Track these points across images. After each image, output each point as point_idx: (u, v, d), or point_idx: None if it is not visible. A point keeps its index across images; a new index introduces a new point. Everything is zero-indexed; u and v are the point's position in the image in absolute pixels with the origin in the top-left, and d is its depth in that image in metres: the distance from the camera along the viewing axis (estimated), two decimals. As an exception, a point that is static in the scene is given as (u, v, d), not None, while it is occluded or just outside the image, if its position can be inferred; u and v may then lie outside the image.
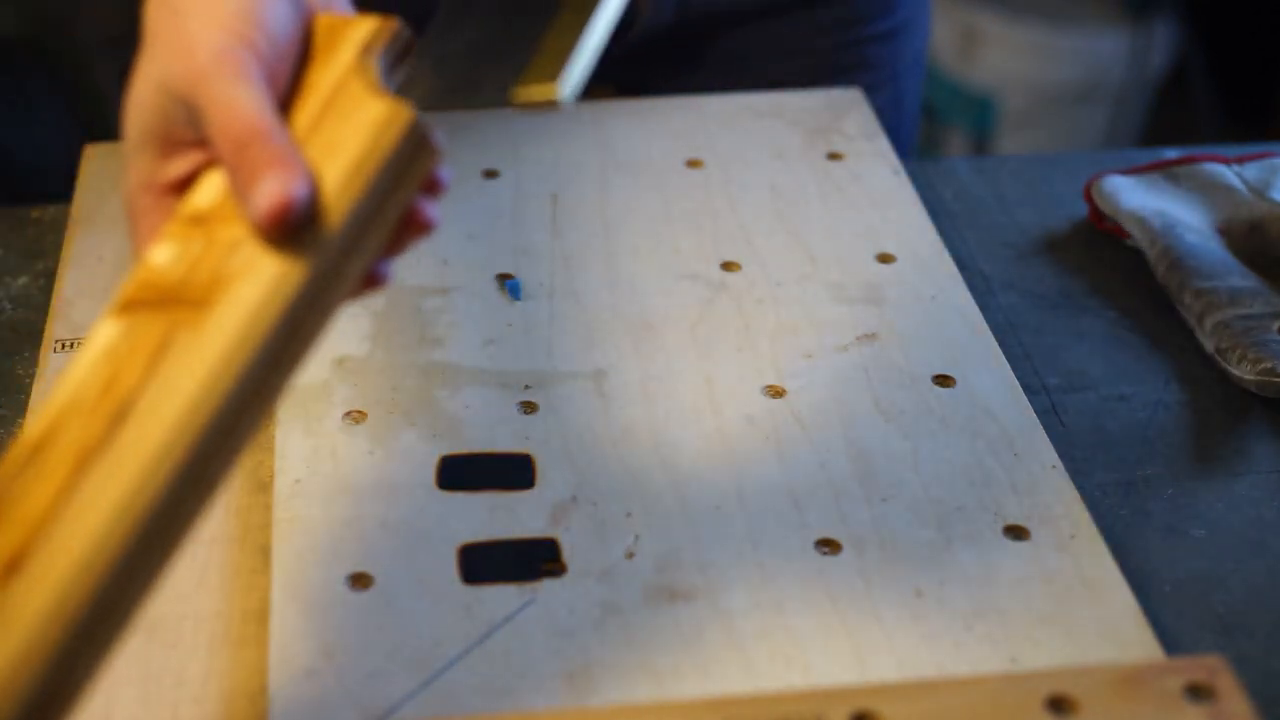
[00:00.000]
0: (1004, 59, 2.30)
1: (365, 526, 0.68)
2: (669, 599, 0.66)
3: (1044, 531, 0.69)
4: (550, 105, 0.50)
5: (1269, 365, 0.79)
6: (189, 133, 0.55)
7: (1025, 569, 0.67)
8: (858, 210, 0.90)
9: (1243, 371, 0.80)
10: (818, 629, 0.64)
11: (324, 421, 0.74)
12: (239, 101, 0.52)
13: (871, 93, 1.03)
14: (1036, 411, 0.76)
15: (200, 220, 0.52)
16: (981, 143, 2.36)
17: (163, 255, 0.52)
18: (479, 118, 0.98)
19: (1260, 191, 0.91)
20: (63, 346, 0.80)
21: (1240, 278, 0.84)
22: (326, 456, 0.72)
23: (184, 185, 0.56)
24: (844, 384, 0.78)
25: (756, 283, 0.84)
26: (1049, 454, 0.73)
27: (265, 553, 0.68)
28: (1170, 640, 0.66)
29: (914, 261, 0.86)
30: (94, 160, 0.95)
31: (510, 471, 0.72)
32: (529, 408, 0.75)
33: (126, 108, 0.57)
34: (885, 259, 0.86)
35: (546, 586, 0.66)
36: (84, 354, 0.50)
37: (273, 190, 0.50)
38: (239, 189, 0.52)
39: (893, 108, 1.06)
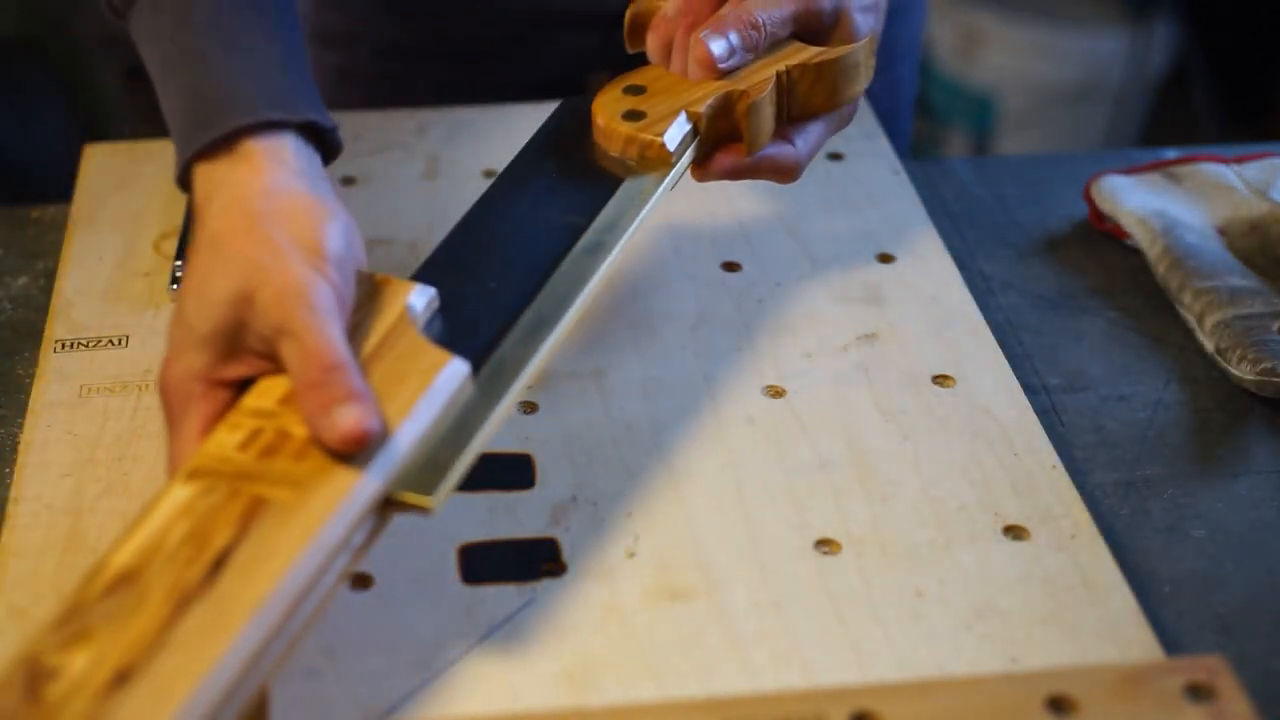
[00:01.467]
0: (1004, 59, 2.30)
1: (365, 526, 0.68)
2: (669, 599, 0.66)
3: (1044, 531, 0.69)
4: (424, 512, 0.58)
5: (1269, 365, 0.79)
6: (257, 345, 0.62)
7: (1025, 569, 0.67)
8: (858, 210, 0.90)
9: (1243, 371, 0.80)
10: (818, 629, 0.64)
11: (324, 421, 0.74)
12: (324, 335, 0.61)
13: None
14: (1036, 411, 0.76)
15: (265, 415, 0.61)
16: (981, 143, 2.36)
17: (232, 439, 0.60)
18: (479, 117, 0.98)
19: (1260, 191, 0.91)
20: (63, 346, 0.80)
21: (1240, 278, 0.84)
22: (326, 456, 0.72)
23: (234, 385, 0.63)
24: (844, 384, 0.78)
25: (756, 283, 0.84)
26: (1049, 454, 0.73)
27: (265, 553, 0.68)
28: (1170, 640, 0.66)
29: (914, 261, 0.86)
30: (94, 160, 0.95)
31: (510, 471, 0.72)
32: (529, 408, 0.75)
33: (192, 305, 0.63)
34: (885, 259, 0.86)
35: (546, 586, 0.66)
36: (159, 505, 0.58)
37: (351, 420, 0.59)
38: (315, 408, 0.59)
39: (888, 94, 1.06)
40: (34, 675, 0.52)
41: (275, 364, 0.63)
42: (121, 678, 0.52)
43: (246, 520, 0.57)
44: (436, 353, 0.63)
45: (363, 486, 0.58)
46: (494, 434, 0.62)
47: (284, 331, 0.61)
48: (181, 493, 0.58)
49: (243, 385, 0.63)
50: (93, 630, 0.53)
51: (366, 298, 0.65)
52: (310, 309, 0.61)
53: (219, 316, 0.62)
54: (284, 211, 0.64)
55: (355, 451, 0.59)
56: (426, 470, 0.59)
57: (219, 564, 0.56)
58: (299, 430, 0.60)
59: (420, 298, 0.65)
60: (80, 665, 0.52)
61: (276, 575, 0.55)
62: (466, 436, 0.60)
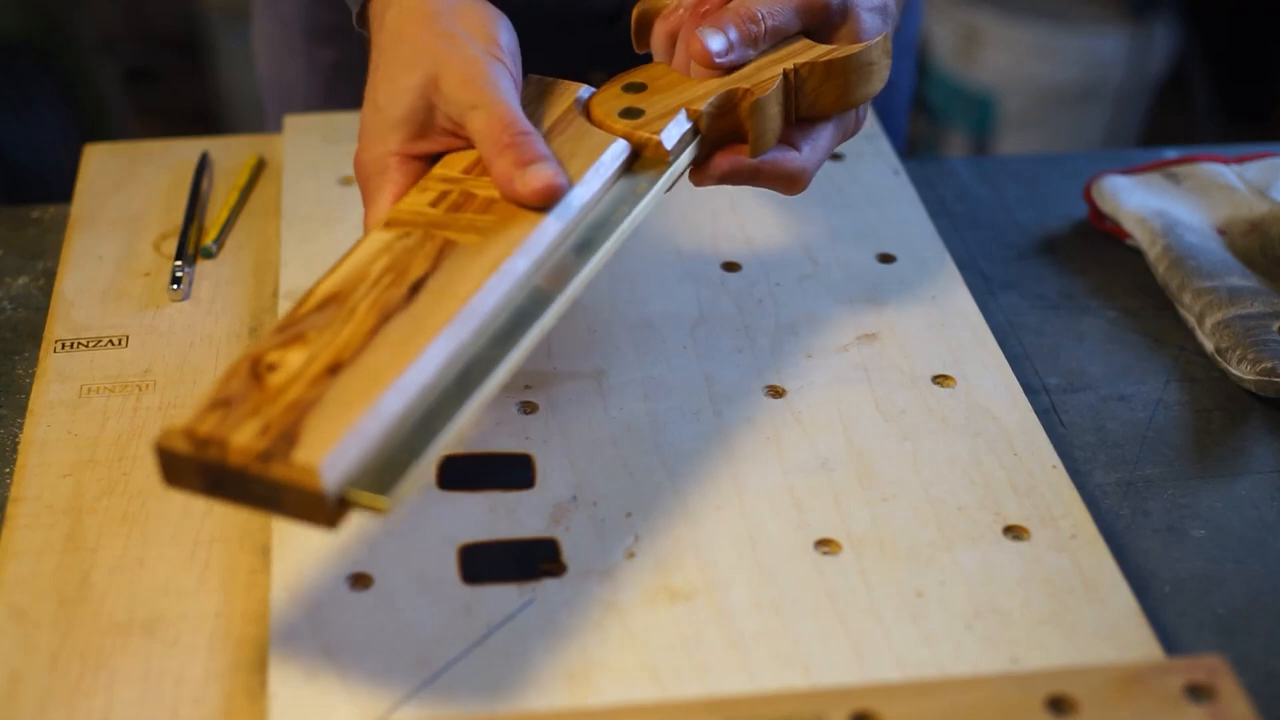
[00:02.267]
0: (1004, 59, 2.30)
1: (365, 526, 0.68)
2: (669, 599, 0.66)
3: (1044, 531, 0.69)
4: (379, 512, 0.58)
5: (1269, 365, 0.79)
6: (445, 124, 0.71)
7: (1025, 569, 0.67)
8: (858, 210, 0.90)
9: (1243, 371, 0.80)
10: (818, 629, 0.64)
11: (324, 421, 0.74)
12: (511, 106, 0.70)
13: None
14: (1036, 411, 0.76)
15: (452, 181, 0.70)
16: (981, 143, 2.36)
17: (423, 199, 0.69)
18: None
19: (1260, 191, 0.91)
20: (63, 346, 0.80)
21: (1240, 278, 0.84)
22: (326, 456, 0.72)
23: (423, 159, 0.72)
24: (844, 384, 0.78)
25: (756, 283, 0.84)
26: (1049, 454, 0.73)
27: (265, 553, 0.68)
28: (1170, 640, 0.66)
29: (914, 261, 0.86)
30: (94, 160, 0.95)
31: (510, 471, 0.72)
32: (529, 408, 0.75)
33: (383, 93, 0.72)
34: (885, 259, 0.86)
35: (546, 586, 0.66)
36: (361, 246, 0.66)
37: (545, 176, 0.67)
38: (508, 167, 0.68)
39: (883, 93, 1.06)
40: (257, 367, 0.60)
41: (461, 141, 0.71)
42: (333, 369, 0.60)
43: (439, 257, 0.65)
44: (603, 134, 0.71)
45: (544, 228, 0.67)
46: (456, 438, 0.62)
47: (473, 106, 0.69)
48: (380, 237, 0.67)
49: (430, 162, 0.72)
50: (306, 335, 0.62)
51: (536, 95, 0.74)
52: (495, 86, 0.70)
53: (409, 100, 0.71)
54: (458, 10, 0.72)
55: (546, 204, 0.67)
56: (385, 470, 0.58)
57: (416, 288, 0.64)
58: (483, 192, 0.68)
59: (586, 93, 0.74)
60: (297, 360, 0.60)
61: (467, 296, 0.63)
62: (428, 438, 0.60)
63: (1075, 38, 2.27)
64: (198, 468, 0.58)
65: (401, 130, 0.71)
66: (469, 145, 0.71)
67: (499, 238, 0.66)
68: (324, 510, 0.57)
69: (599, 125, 0.73)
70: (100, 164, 0.95)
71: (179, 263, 0.85)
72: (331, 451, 0.56)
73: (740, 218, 0.89)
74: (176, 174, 0.93)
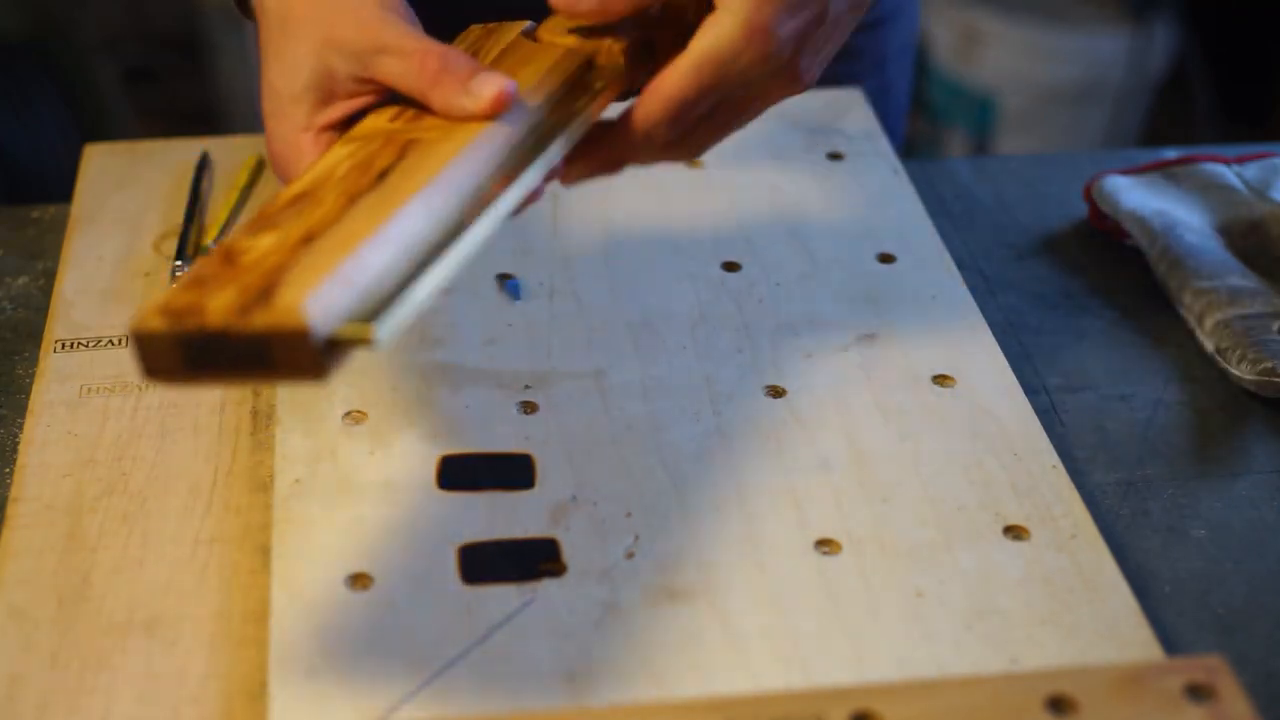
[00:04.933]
0: (1004, 59, 2.30)
1: (365, 526, 0.68)
2: (669, 599, 0.66)
3: (1044, 531, 0.69)
4: (366, 344, 0.55)
5: (1269, 365, 0.79)
6: (350, 84, 0.68)
7: (1025, 569, 0.67)
8: (858, 210, 0.90)
9: (1243, 371, 0.80)
10: (818, 629, 0.64)
11: (324, 421, 0.74)
12: (423, 39, 0.66)
13: (859, 80, 1.03)
14: (1036, 411, 0.76)
15: (382, 133, 0.66)
16: (981, 143, 2.36)
17: (348, 148, 0.66)
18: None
19: (1260, 191, 0.91)
20: (63, 346, 0.80)
21: (1240, 278, 0.84)
22: (326, 456, 0.72)
23: (335, 129, 0.68)
24: (844, 384, 0.78)
25: (756, 283, 0.84)
26: (1049, 454, 0.73)
27: (265, 553, 0.68)
28: (1170, 640, 0.66)
29: (914, 261, 0.86)
30: (94, 160, 0.95)
31: (510, 471, 0.72)
32: (529, 408, 0.75)
33: (275, 73, 0.68)
34: (885, 259, 0.86)
35: (546, 586, 0.66)
36: (324, 158, 0.65)
37: (493, 85, 0.65)
38: (449, 94, 0.65)
39: (880, 96, 1.06)
40: (229, 254, 0.58)
41: (372, 97, 0.68)
42: (306, 239, 0.58)
43: (404, 150, 0.64)
44: (553, 47, 0.70)
45: (506, 121, 0.65)
46: (447, 279, 0.60)
47: (378, 51, 0.66)
48: (339, 149, 0.66)
49: (344, 130, 0.68)
50: (278, 222, 0.60)
51: (481, 38, 0.72)
52: (394, 25, 0.67)
53: (307, 70, 0.68)
54: None
55: (501, 112, 0.65)
56: (371, 309, 0.56)
57: (383, 174, 0.63)
58: (424, 135, 0.65)
59: (532, 26, 0.72)
60: (269, 240, 0.59)
61: (441, 164, 0.62)
62: (416, 277, 0.58)
63: (1075, 38, 2.27)
64: (176, 343, 0.55)
65: (304, 102, 0.68)
66: (383, 97, 0.68)
67: (462, 129, 0.65)
68: (311, 355, 0.54)
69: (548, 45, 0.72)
70: (100, 164, 0.95)
71: (179, 263, 0.85)
72: (314, 291, 0.55)
73: (740, 218, 0.89)
74: (176, 174, 0.93)
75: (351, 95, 0.68)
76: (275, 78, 0.69)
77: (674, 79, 0.66)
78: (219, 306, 0.55)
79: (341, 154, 0.65)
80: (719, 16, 0.66)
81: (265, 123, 0.70)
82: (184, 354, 0.55)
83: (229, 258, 0.58)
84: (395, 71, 0.66)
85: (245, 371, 0.56)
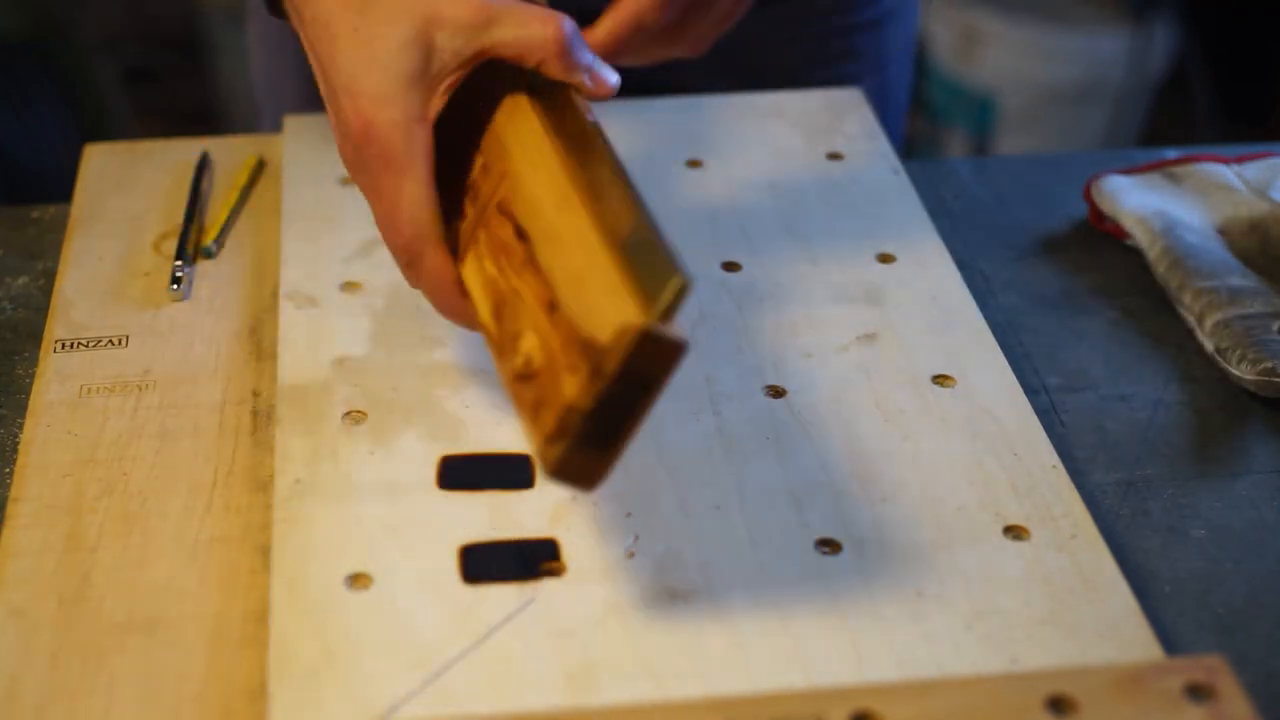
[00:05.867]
0: (1004, 59, 2.30)
1: (365, 526, 0.68)
2: (669, 599, 0.66)
3: (1044, 531, 0.69)
4: (685, 290, 0.58)
5: (1269, 365, 0.79)
6: (448, 63, 0.67)
7: (1025, 569, 0.67)
8: (858, 210, 0.90)
9: (1243, 371, 0.80)
10: (818, 629, 0.64)
11: (324, 421, 0.74)
12: (530, 5, 0.68)
13: (859, 80, 1.03)
14: (1036, 411, 0.76)
15: (463, 233, 0.71)
16: (981, 143, 2.36)
17: (470, 268, 0.70)
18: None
19: (1260, 191, 0.91)
20: (63, 346, 0.80)
21: (1240, 278, 0.84)
22: (326, 456, 0.72)
23: (430, 123, 0.68)
24: (844, 384, 0.78)
25: (756, 283, 0.84)
26: (1049, 454, 0.73)
27: (265, 553, 0.68)
28: (1170, 640, 0.66)
29: (914, 261, 0.86)
30: (94, 160, 0.95)
31: (510, 471, 0.72)
32: (529, 408, 0.75)
33: (361, 59, 0.66)
34: (885, 259, 0.86)
35: (546, 586, 0.66)
36: (469, 280, 0.69)
37: (612, 77, 0.70)
38: (568, 69, 0.68)
39: (879, 96, 1.06)
40: (521, 377, 0.63)
41: (462, 73, 0.67)
42: (552, 308, 0.63)
43: (505, 208, 0.68)
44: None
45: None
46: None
47: (493, 22, 0.67)
48: (467, 270, 0.70)
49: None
50: (517, 332, 0.65)
51: None
52: (514, 8, 0.67)
53: (412, 53, 0.66)
54: None
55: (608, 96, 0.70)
56: (651, 277, 0.59)
57: (521, 235, 0.66)
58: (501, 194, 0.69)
59: None
60: (532, 341, 0.64)
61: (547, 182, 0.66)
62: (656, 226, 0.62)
63: (1075, 38, 2.27)
64: (579, 447, 0.59)
65: (419, 89, 0.67)
66: (465, 80, 0.68)
67: (522, 160, 0.68)
68: (666, 342, 0.58)
69: None
70: (100, 164, 0.95)
71: (179, 263, 0.85)
72: (613, 303, 0.59)
73: (740, 218, 0.89)
74: (176, 174, 0.93)
75: (448, 75, 0.67)
76: (362, 64, 0.66)
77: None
78: (576, 392, 0.59)
79: (471, 268, 0.69)
80: None
81: (359, 110, 0.67)
82: (591, 451, 0.60)
83: (526, 379, 0.63)
84: (511, 38, 0.67)
85: (635, 408, 0.59)
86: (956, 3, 2.31)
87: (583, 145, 0.67)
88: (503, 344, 0.66)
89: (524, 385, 0.63)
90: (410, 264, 0.69)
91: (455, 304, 0.70)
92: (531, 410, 0.62)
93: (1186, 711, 0.59)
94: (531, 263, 0.64)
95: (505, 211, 0.67)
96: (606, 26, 0.74)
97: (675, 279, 0.58)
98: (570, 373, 0.60)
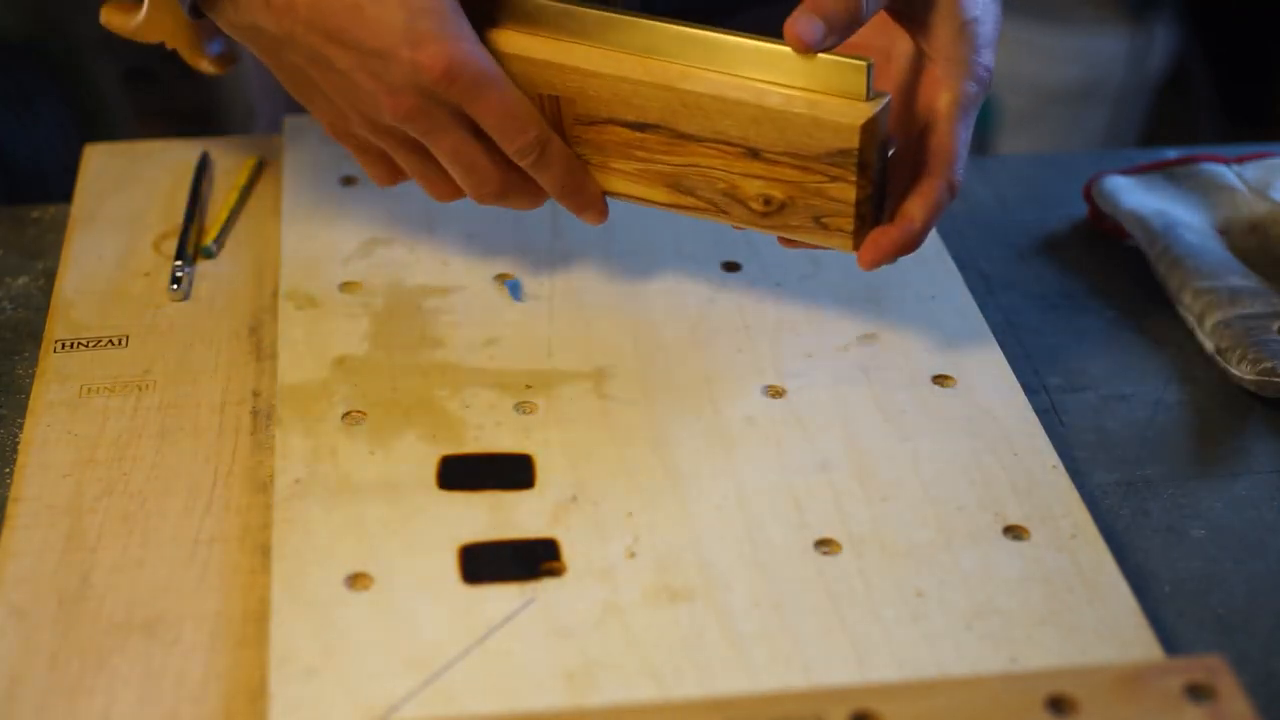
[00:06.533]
0: (1004, 59, 2.29)
1: (365, 526, 0.68)
2: (669, 599, 0.66)
3: (1044, 531, 0.69)
4: (873, 68, 0.69)
5: (1269, 365, 0.79)
6: None
7: (1025, 569, 0.67)
8: (858, 210, 0.90)
9: (1243, 371, 0.80)
10: (818, 629, 0.64)
11: (324, 421, 0.74)
12: None
13: None
14: (1036, 411, 0.76)
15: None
16: (981, 143, 2.36)
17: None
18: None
19: (1260, 191, 0.91)
20: (63, 346, 0.80)
21: (1240, 278, 0.84)
22: (326, 456, 0.72)
23: None
24: (844, 384, 0.78)
25: (756, 283, 0.84)
26: (1049, 454, 0.73)
27: (265, 553, 0.68)
28: (1170, 640, 0.66)
29: (914, 261, 0.86)
30: (94, 160, 0.95)
31: (510, 471, 0.72)
32: (529, 408, 0.75)
33: (409, 15, 0.68)
34: (885, 259, 0.86)
35: (546, 586, 0.66)
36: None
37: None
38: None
39: None
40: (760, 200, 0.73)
41: None
42: (752, 154, 0.72)
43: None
44: None
45: None
46: None
47: None
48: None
49: None
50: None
51: None
52: None
53: None
54: None
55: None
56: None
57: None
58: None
59: None
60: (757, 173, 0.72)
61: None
62: None
63: (1075, 38, 2.27)
64: (873, 219, 0.72)
65: (462, 15, 0.70)
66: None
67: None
68: (882, 112, 0.69)
69: None
70: (100, 164, 0.95)
71: (179, 263, 0.85)
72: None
73: (740, 218, 0.89)
74: (176, 174, 0.93)
75: None
76: (403, 16, 0.68)
77: (950, 131, 0.78)
78: (855, 189, 0.70)
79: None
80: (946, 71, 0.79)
81: (431, 55, 0.68)
82: (877, 213, 0.72)
83: (779, 210, 0.72)
84: None
85: (884, 168, 0.71)
86: (956, 3, 2.30)
87: (612, 26, 0.72)
88: (715, 202, 0.74)
89: (781, 215, 0.72)
90: (542, 154, 0.73)
91: (584, 180, 0.75)
92: (812, 225, 0.72)
93: (1186, 711, 0.59)
94: (682, 138, 0.72)
95: (590, 121, 0.73)
96: None
97: (858, 63, 0.68)
98: (832, 182, 0.70)
